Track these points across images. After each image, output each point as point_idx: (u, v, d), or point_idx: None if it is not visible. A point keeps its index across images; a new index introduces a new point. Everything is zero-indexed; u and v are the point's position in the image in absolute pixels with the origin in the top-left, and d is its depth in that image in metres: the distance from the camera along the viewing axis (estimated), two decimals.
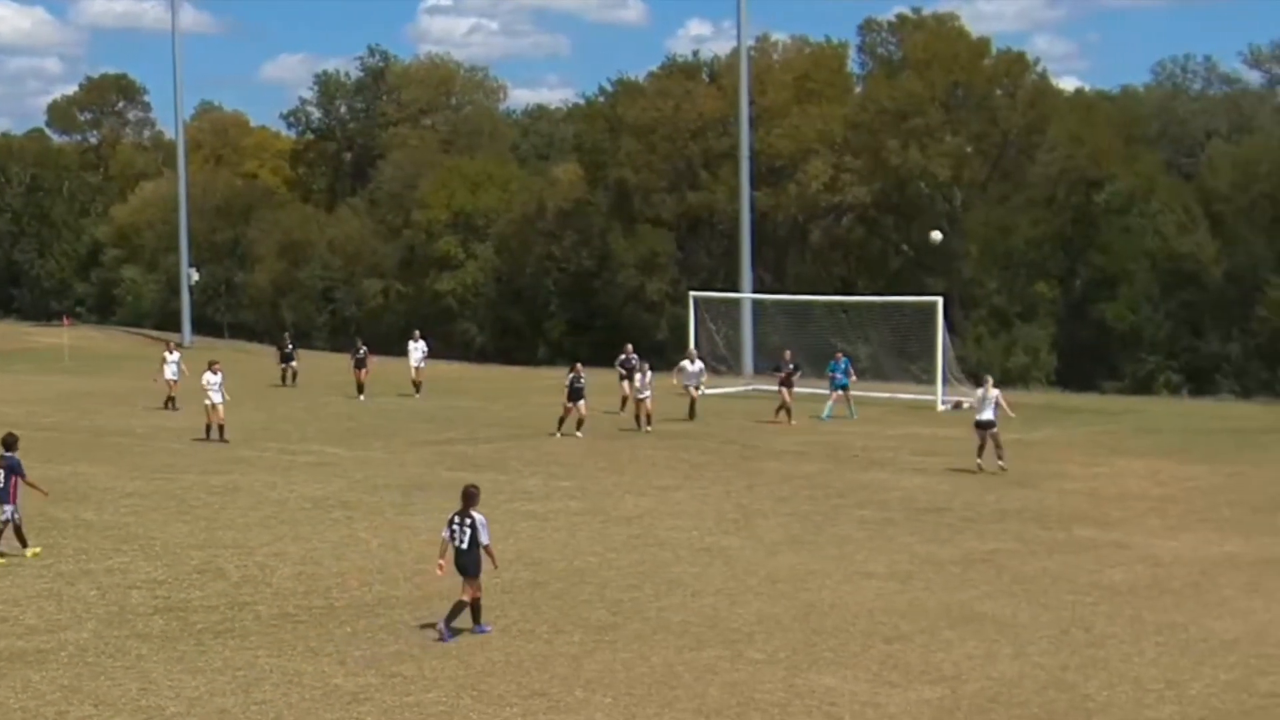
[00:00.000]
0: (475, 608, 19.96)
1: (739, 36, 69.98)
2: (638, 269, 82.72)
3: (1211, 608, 21.60)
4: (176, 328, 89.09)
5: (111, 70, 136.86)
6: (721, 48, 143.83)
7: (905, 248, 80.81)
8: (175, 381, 47.85)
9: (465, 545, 19.72)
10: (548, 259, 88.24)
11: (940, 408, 48.02)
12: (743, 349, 63.04)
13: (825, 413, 46.07)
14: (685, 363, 47.05)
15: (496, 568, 20.25)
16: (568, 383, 41.77)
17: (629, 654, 19.04)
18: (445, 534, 19.88)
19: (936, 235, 33.88)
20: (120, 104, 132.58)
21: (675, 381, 46.89)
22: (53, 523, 27.76)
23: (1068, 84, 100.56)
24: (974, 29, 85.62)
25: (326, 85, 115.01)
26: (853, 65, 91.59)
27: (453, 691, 17.43)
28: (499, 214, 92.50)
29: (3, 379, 60.55)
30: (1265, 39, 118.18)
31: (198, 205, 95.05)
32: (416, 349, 53.37)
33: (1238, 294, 74.23)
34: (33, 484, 25.49)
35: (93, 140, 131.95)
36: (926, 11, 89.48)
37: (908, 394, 50.91)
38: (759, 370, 56.22)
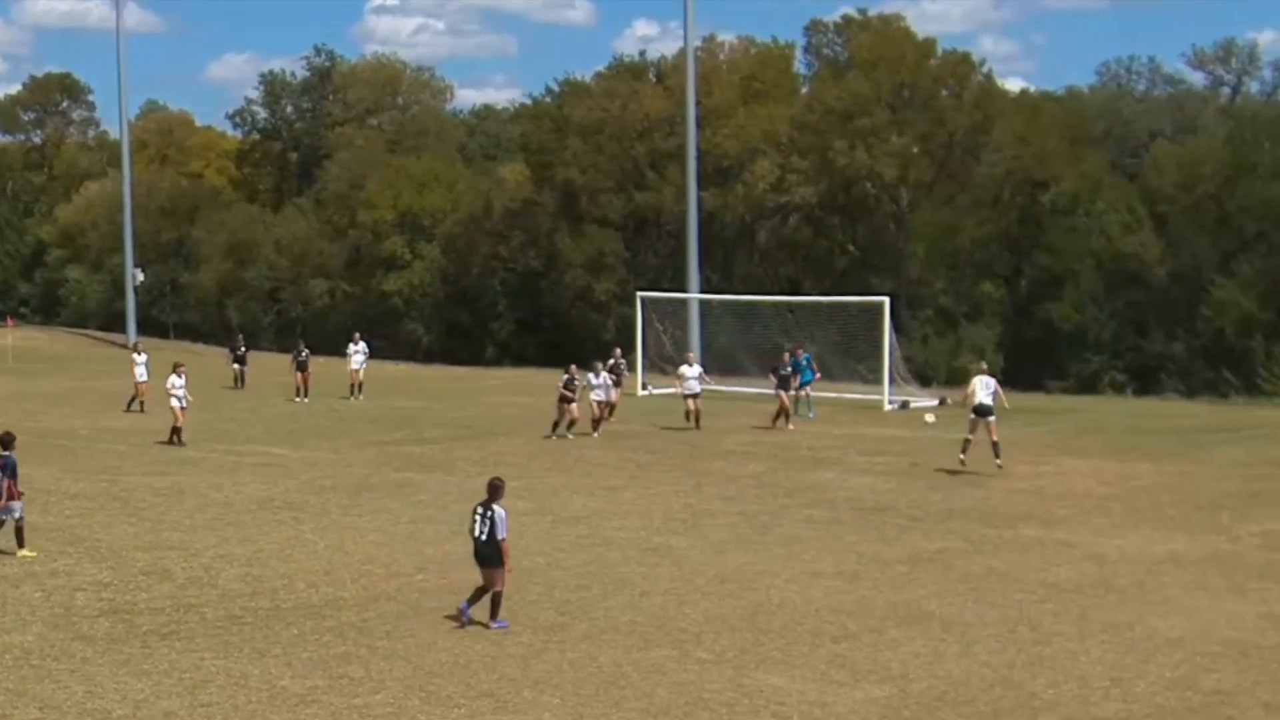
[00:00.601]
0: (495, 602, 20.24)
1: (685, 37, 69.94)
2: (585, 269, 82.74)
3: (1156, 606, 21.73)
4: (122, 328, 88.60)
5: (55, 70, 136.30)
6: (668, 48, 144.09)
7: (851, 248, 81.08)
8: (145, 383, 47.18)
9: (484, 537, 20.15)
10: (494, 259, 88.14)
11: (887, 407, 48.15)
12: (691, 349, 63.00)
13: (810, 412, 46.14)
14: (684, 367, 44.65)
15: (509, 567, 20.30)
16: (561, 384, 41.35)
17: (577, 654, 19.04)
18: (472, 525, 20.29)
19: (929, 418, 34.69)
20: (64, 103, 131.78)
21: (677, 389, 44.58)
22: None
23: (1013, 85, 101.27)
24: (920, 30, 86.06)
25: (272, 85, 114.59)
26: (799, 66, 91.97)
27: (400, 693, 17.39)
28: (445, 214, 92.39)
29: None
30: (1208, 40, 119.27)
31: (143, 205, 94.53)
32: (357, 351, 52.83)
33: (1182, 294, 74.74)
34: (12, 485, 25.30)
35: (37, 140, 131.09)
36: (872, 12, 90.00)
37: (855, 394, 51.01)
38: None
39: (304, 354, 52.30)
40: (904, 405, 48.07)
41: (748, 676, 18.12)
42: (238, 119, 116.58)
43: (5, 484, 24.84)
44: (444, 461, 36.38)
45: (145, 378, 47.38)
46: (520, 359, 78.10)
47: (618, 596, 22.17)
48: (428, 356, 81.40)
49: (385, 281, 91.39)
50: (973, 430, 33.91)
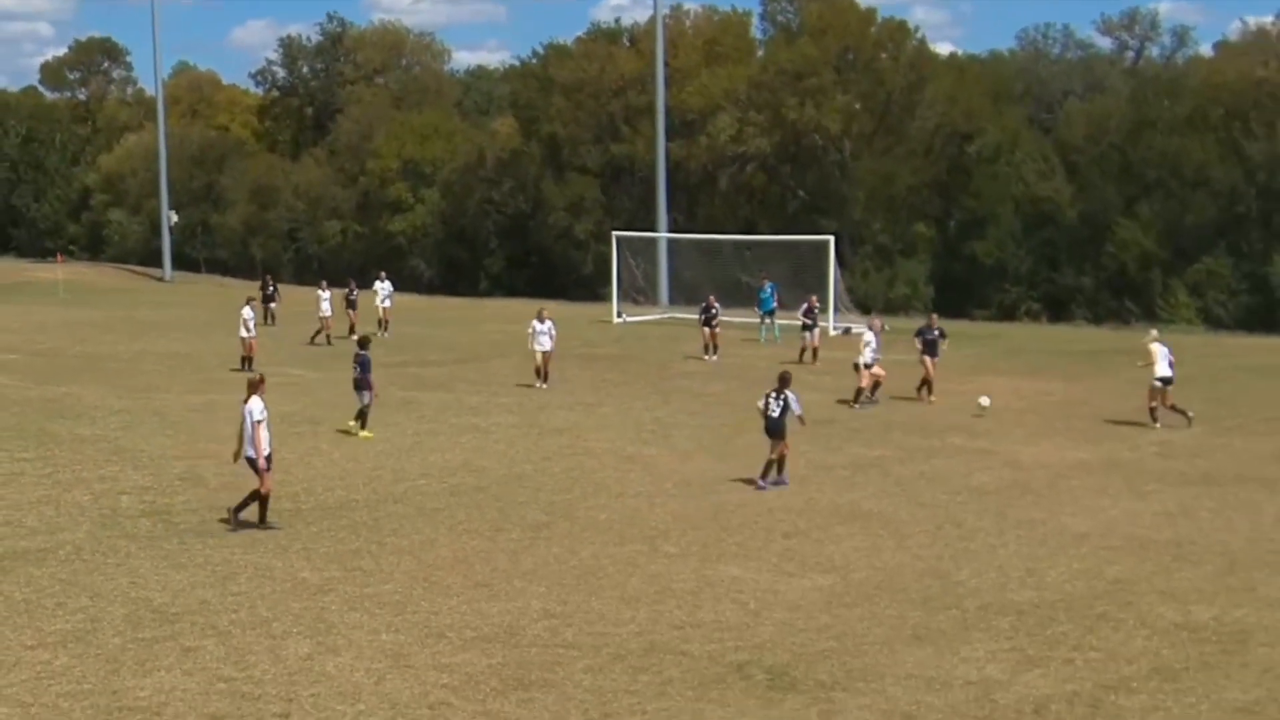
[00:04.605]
0: (781, 462, 23.24)
1: (655, 5, 69.71)
2: (567, 211, 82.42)
3: (1065, 505, 21.88)
4: (158, 264, 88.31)
5: (98, 34, 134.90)
6: (640, 15, 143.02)
7: (801, 193, 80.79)
8: (329, 317, 46.10)
9: (776, 414, 23.08)
10: (487, 203, 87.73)
11: (832, 333, 48.16)
12: (659, 282, 63.15)
13: (775, 335, 46.22)
14: (867, 332, 33.70)
15: (804, 425, 23.86)
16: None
17: (560, 549, 19.12)
18: (760, 404, 23.49)
19: (984, 400, 30.28)
20: (105, 64, 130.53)
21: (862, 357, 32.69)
22: (50, 437, 27.57)
23: (943, 49, 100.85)
24: (861, 1, 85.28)
25: (290, 48, 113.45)
26: (756, 31, 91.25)
27: (406, 583, 17.46)
28: (444, 163, 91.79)
29: (4, 310, 59.87)
30: (1115, 9, 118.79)
31: (176, 155, 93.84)
32: (383, 288, 49.69)
33: (1090, 233, 74.71)
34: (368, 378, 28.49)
35: (81, 97, 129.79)
36: None
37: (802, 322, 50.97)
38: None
39: (354, 293, 48.96)
40: (846, 331, 48.06)
41: (710, 568, 18.22)
42: (259, 78, 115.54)
43: (365, 377, 28.20)
44: (445, 382, 36.37)
45: (329, 313, 46.22)
46: (511, 291, 77.84)
47: (596, 498, 22.25)
48: (429, 289, 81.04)
49: (391, 222, 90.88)
50: (1155, 399, 29.66)
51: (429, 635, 15.48)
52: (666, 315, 56.62)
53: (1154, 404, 29.57)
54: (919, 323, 37.40)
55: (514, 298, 70.76)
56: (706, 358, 41.20)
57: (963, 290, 73.59)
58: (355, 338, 47.64)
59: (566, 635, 15.50)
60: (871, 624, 15.97)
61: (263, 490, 20.10)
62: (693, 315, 49.08)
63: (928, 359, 33.11)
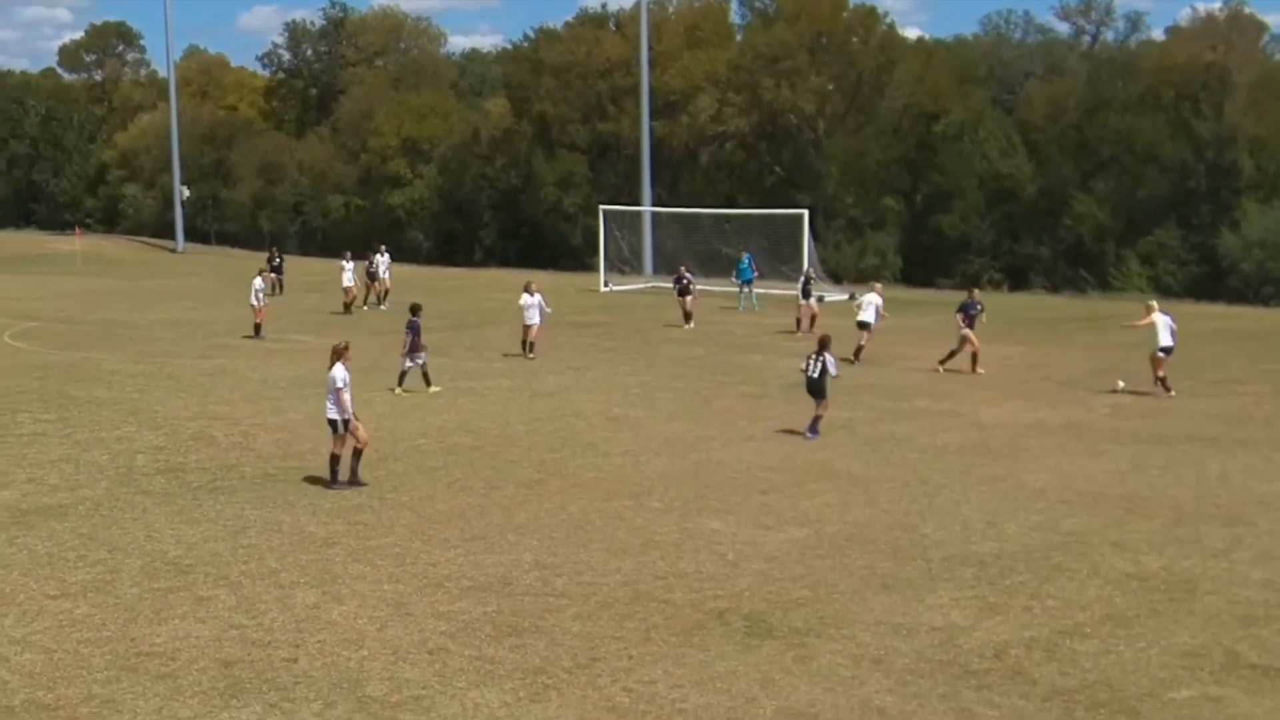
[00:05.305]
0: (816, 420, 23.86)
1: None
2: (556, 187, 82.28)
3: (1024, 463, 21.94)
4: (172, 236, 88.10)
5: (113, 18, 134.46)
6: (625, 1, 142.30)
7: (777, 169, 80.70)
8: (352, 288, 45.77)
9: (815, 375, 23.86)
10: (481, 178, 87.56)
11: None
12: (644, 253, 63.08)
13: (753, 304, 46.25)
14: (871, 295, 35.12)
15: (838, 376, 24.46)
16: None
17: (551, 504, 19.14)
18: (802, 365, 24.25)
19: (1121, 383, 28.29)
20: (120, 47, 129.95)
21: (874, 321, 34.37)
22: (70, 400, 27.53)
23: (911, 33, 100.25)
24: None
25: (295, 32, 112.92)
26: (735, 17, 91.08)
27: (406, 536, 17.49)
28: (440, 140, 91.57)
29: (25, 280, 59.69)
30: None
31: (187, 133, 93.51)
32: (382, 260, 48.48)
33: (1048, 207, 74.84)
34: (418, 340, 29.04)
35: (97, 78, 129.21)
36: None
37: (779, 290, 50.90)
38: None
39: (373, 265, 47.77)
40: (820, 300, 48.02)
41: (691, 521, 18.26)
42: (266, 60, 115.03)
43: (416, 340, 28.83)
44: (442, 347, 36.26)
45: (353, 283, 45.87)
46: (503, 261, 77.81)
47: (585, 457, 22.27)
48: (427, 259, 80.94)
49: (391, 196, 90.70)
50: (1160, 366, 28.58)
51: (428, 585, 15.52)
52: (650, 285, 56.53)
53: (1161, 372, 28.57)
54: (886, 292, 37.42)
55: (506, 268, 70.71)
56: (685, 326, 41.17)
57: (929, 261, 73.70)
58: (383, 307, 46.65)
59: (557, 585, 15.54)
60: (843, 574, 16.03)
61: (359, 444, 20.04)
62: (669, 284, 49.20)
63: (972, 333, 32.09)
